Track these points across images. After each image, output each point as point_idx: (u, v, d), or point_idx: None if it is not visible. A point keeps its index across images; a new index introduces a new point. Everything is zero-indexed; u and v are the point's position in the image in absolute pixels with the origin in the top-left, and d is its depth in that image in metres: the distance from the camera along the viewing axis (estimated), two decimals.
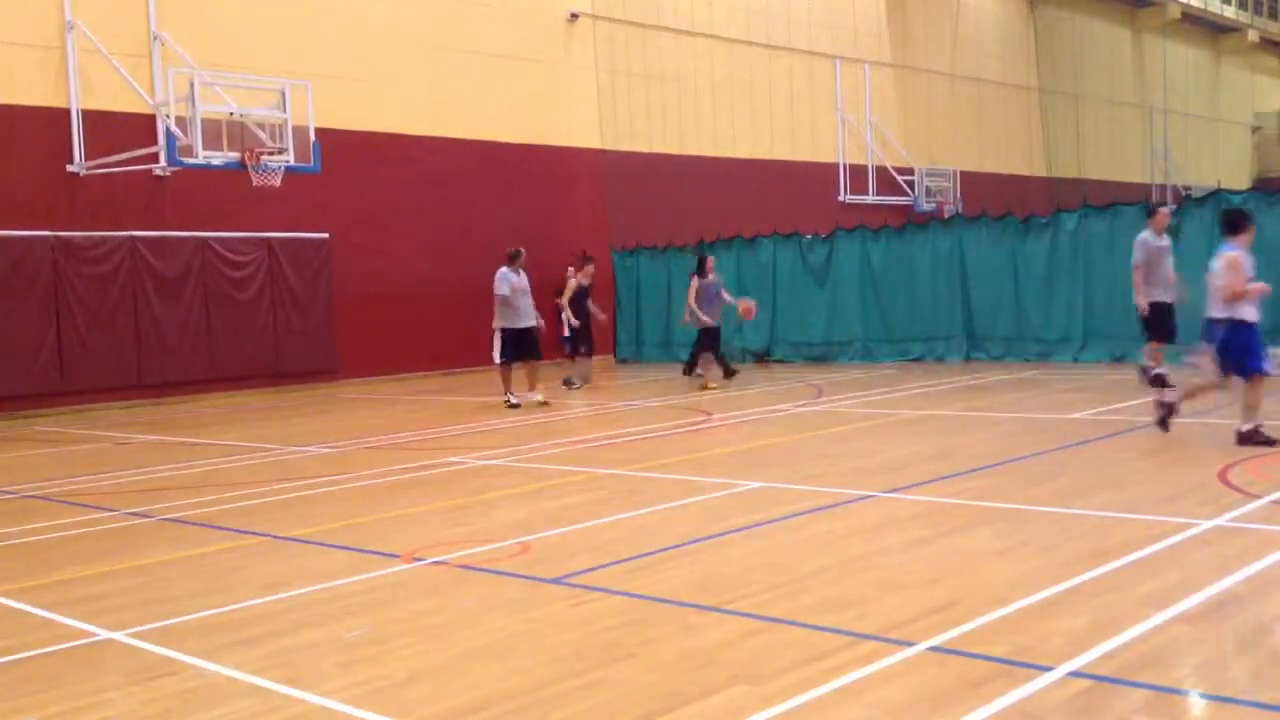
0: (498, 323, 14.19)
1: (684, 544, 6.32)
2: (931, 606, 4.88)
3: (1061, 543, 5.95)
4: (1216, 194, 15.96)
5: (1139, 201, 17.51)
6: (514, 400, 14.06)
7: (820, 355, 19.48)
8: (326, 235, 19.43)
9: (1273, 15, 44.24)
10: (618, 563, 5.96)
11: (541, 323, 14.58)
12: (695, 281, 16.27)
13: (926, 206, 28.41)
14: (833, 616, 4.83)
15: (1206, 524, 6.10)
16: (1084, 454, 8.83)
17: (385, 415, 14.73)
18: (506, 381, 14.30)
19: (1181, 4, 38.50)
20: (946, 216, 23.01)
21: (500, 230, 21.75)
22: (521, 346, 14.21)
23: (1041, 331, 17.29)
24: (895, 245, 18.91)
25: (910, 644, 4.38)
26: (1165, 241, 12.73)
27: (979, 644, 4.36)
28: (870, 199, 28.24)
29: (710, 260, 16.63)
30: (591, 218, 23.04)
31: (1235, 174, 40.36)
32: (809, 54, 27.22)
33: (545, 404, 14.14)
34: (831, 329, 19.50)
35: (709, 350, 16.41)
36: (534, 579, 5.72)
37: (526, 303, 14.15)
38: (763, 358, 20.03)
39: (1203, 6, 39.87)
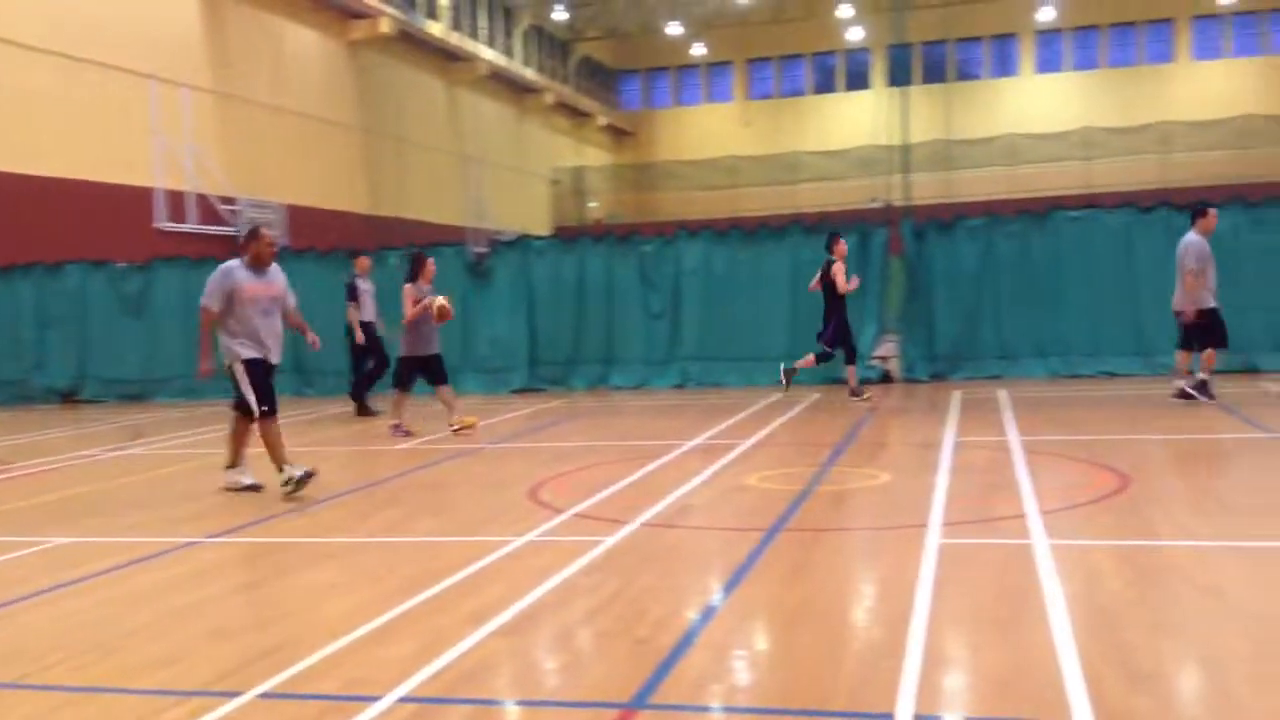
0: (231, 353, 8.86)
1: None
2: (262, 651, 4.73)
3: (392, 571, 6.11)
4: (523, 239, 17.63)
5: (457, 242, 18.70)
6: (242, 480, 9.05)
7: (138, 393, 18.15)
8: None
9: (565, 80, 50.06)
10: None
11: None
12: (410, 290, 11.88)
13: None
14: (155, 675, 4.48)
15: (519, 540, 6.64)
16: (412, 482, 9.19)
17: None
18: (237, 446, 9.05)
19: (489, 62, 42.08)
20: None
21: None
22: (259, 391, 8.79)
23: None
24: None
25: (238, 693, 4.20)
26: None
27: (311, 683, 4.31)
28: (191, 227, 26.97)
29: (431, 262, 12.27)
30: None
31: (539, 222, 44.97)
32: (120, 70, 25.36)
33: (256, 487, 8.96)
34: (150, 365, 18.26)
35: (407, 385, 12.01)
36: None
37: (268, 323, 8.89)
38: (69, 395, 18.22)
39: (507, 66, 43.93)
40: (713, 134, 52.35)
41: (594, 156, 52.76)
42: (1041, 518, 6.65)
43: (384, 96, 36.01)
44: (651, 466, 9.29)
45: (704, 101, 54.69)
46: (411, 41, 37.19)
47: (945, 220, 16.52)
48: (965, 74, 51.24)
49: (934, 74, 50.33)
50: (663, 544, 6.56)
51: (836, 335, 13.66)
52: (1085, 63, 50.05)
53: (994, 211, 17.05)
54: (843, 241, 13.91)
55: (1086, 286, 15.49)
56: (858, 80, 51.92)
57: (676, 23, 48.91)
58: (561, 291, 17.10)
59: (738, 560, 6.01)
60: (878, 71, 51.10)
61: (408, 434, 11.78)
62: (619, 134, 55.23)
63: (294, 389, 17.77)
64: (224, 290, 8.82)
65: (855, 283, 13.64)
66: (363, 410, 14.32)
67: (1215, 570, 5.52)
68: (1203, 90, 47.25)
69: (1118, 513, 6.84)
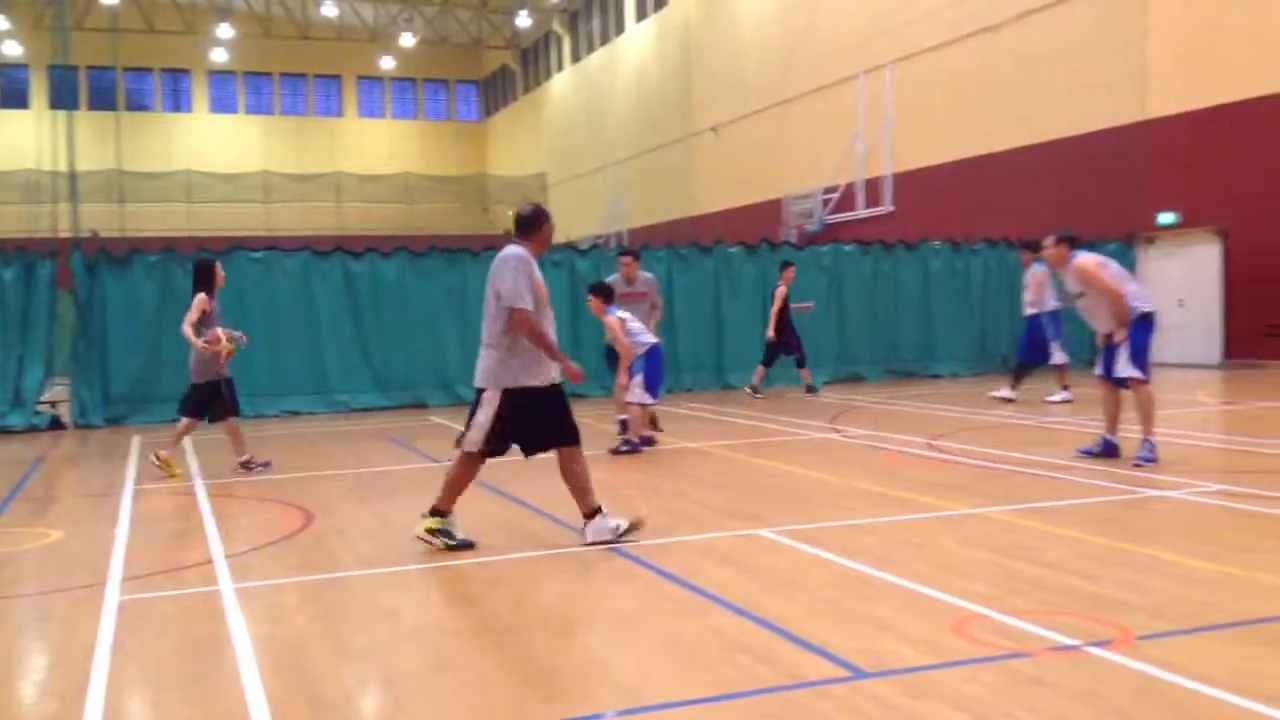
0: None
1: None
2: None
3: None
4: None
5: None
6: (618, 520, 6.71)
7: None
8: None
9: None
10: None
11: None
12: (205, 301, 10.29)
13: None
14: None
15: None
16: None
17: None
18: (584, 488, 6.69)
19: None
20: None
21: None
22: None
23: None
24: None
25: None
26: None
27: None
28: None
29: (219, 265, 10.61)
30: None
31: None
32: None
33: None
34: None
35: (199, 415, 10.54)
36: None
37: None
38: None
39: None
40: None
41: None
42: (228, 562, 6.59)
43: None
44: None
45: None
46: None
47: (120, 254, 15.69)
48: (137, 104, 49.41)
49: (103, 100, 47.72)
50: None
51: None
52: (259, 108, 51.23)
53: (174, 248, 16.54)
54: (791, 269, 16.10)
55: (268, 327, 15.69)
56: (15, 98, 47.27)
57: None
58: None
59: None
60: (38, 91, 47.01)
61: (265, 464, 10.49)
62: None
63: None
64: (532, 287, 6.38)
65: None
66: None
67: (391, 594, 5.93)
68: (370, 146, 51.19)
69: (304, 549, 7.03)
